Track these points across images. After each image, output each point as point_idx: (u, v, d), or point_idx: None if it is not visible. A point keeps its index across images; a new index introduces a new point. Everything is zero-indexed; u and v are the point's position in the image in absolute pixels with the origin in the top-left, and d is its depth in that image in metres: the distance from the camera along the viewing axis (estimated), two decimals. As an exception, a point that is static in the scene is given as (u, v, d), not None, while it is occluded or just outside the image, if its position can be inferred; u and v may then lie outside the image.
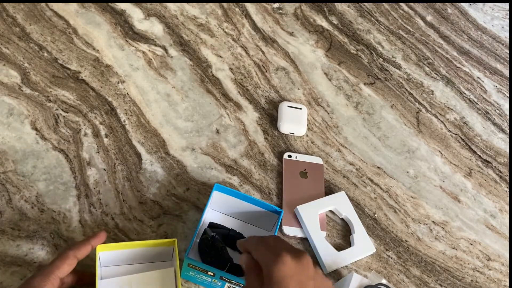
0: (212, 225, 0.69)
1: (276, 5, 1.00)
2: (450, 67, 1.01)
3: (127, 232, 0.67)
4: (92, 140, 0.74)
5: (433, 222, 0.80)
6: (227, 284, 0.62)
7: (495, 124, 0.95)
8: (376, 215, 0.78)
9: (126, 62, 0.84)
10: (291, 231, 0.72)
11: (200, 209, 0.72)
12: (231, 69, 0.88)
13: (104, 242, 0.59)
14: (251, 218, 0.70)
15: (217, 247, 0.63)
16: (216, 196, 0.68)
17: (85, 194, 0.69)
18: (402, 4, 1.09)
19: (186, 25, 0.92)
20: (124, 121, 0.77)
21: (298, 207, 0.73)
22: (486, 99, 0.98)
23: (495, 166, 0.89)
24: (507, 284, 0.76)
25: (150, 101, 0.81)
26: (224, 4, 0.97)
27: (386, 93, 0.93)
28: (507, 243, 0.81)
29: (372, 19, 1.04)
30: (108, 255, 0.60)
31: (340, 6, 1.04)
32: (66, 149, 0.73)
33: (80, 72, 0.81)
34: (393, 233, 0.77)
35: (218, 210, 0.71)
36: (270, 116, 0.84)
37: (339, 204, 0.75)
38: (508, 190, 0.87)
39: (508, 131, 0.95)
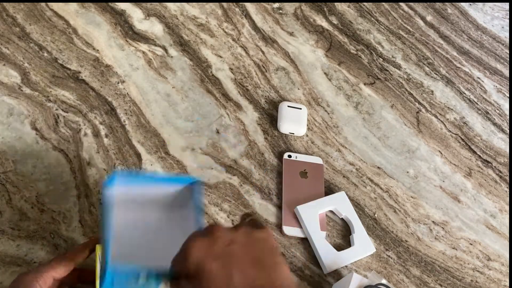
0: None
1: (276, 5, 1.00)
2: (450, 67, 1.01)
3: (127, 232, 0.67)
4: (92, 140, 0.74)
5: (433, 222, 0.80)
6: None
7: (495, 124, 0.95)
8: (376, 215, 0.78)
9: (126, 62, 0.84)
10: (291, 231, 0.72)
11: (201, 209, 0.71)
12: (231, 69, 0.88)
13: None
14: (166, 204, 0.60)
15: None
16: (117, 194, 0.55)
17: (85, 194, 0.69)
18: (402, 4, 1.09)
19: (186, 25, 0.92)
20: (124, 121, 0.77)
21: (298, 207, 0.73)
22: (486, 99, 0.98)
23: (495, 166, 0.89)
24: (507, 284, 0.76)
25: (150, 101, 0.81)
26: (224, 4, 0.97)
27: (386, 93, 0.93)
28: (507, 243, 0.81)
29: (372, 19, 1.04)
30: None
31: (340, 6, 1.04)
32: (66, 149, 0.73)
33: (80, 72, 0.81)
34: (393, 233, 0.77)
35: (126, 212, 0.58)
36: (270, 116, 0.84)
37: (339, 204, 0.75)
38: (508, 190, 0.87)
39: (508, 131, 0.95)
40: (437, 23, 1.08)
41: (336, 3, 1.04)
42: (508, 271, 0.78)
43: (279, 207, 0.75)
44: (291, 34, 0.97)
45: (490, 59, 1.05)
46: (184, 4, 0.94)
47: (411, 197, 0.81)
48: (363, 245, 0.73)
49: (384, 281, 0.66)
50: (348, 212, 0.75)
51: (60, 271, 0.54)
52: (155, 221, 0.59)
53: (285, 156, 0.79)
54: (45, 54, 0.81)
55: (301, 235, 0.72)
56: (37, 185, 0.69)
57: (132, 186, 0.56)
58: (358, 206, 0.78)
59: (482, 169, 0.88)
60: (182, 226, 0.59)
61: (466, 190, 0.85)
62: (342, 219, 0.76)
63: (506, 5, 1.17)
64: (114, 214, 0.56)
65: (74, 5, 0.88)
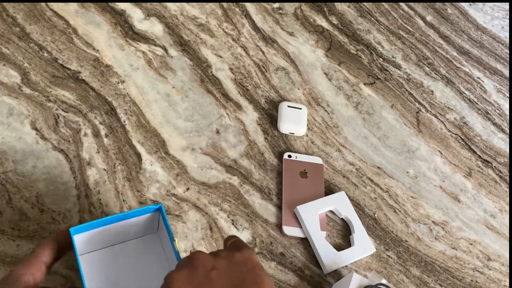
0: None
1: (276, 5, 1.00)
2: (450, 67, 1.01)
3: (127, 232, 0.67)
4: (92, 140, 0.74)
5: (433, 222, 0.80)
6: None
7: (495, 124, 0.95)
8: (376, 215, 0.78)
9: (126, 62, 0.84)
10: (291, 231, 0.72)
11: (200, 209, 0.72)
12: (231, 69, 0.88)
13: None
14: (131, 233, 0.63)
15: None
16: (81, 238, 0.57)
17: (85, 194, 0.69)
18: (402, 4, 1.09)
19: (186, 25, 0.92)
20: (124, 121, 0.77)
21: (298, 207, 0.73)
22: (486, 99, 0.98)
23: (495, 166, 0.89)
24: (507, 284, 0.76)
25: (150, 101, 0.81)
26: (224, 4, 0.97)
27: (386, 93, 0.93)
28: (507, 243, 0.81)
29: (372, 19, 1.04)
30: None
31: (340, 6, 1.04)
32: (66, 149, 0.73)
33: (80, 72, 0.81)
34: (393, 233, 0.77)
35: (93, 249, 0.62)
36: (270, 116, 0.84)
37: (339, 204, 0.75)
38: (508, 190, 0.87)
39: (508, 131, 0.95)
40: (437, 23, 1.08)
41: (336, 3, 1.04)
42: (508, 271, 0.78)
43: (279, 207, 0.75)
44: (291, 34, 0.97)
45: (490, 59, 1.05)
46: (184, 4, 0.94)
47: (411, 197, 0.81)
48: (363, 245, 0.73)
49: (384, 281, 0.66)
50: (348, 212, 0.75)
51: (46, 253, 0.51)
52: (127, 256, 0.63)
53: (285, 156, 0.79)
54: (45, 54, 0.81)
55: (301, 235, 0.72)
56: (37, 185, 0.69)
57: (94, 231, 0.58)
58: (358, 206, 0.78)
59: (482, 169, 0.88)
60: (156, 254, 0.64)
61: (466, 190, 0.85)
62: (342, 219, 0.76)
63: (506, 5, 1.17)
64: (84, 264, 0.60)
65: (74, 5, 0.88)
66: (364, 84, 0.93)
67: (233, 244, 0.50)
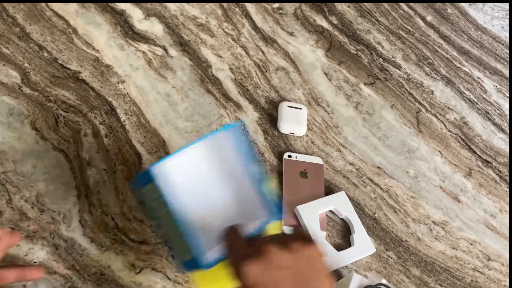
0: None
1: (276, 5, 1.00)
2: (450, 67, 1.01)
3: (127, 232, 0.67)
4: (92, 140, 0.74)
5: (433, 222, 0.80)
6: None
7: (495, 124, 0.95)
8: (376, 215, 0.78)
9: (126, 62, 0.84)
10: (291, 231, 0.72)
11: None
12: (231, 69, 0.88)
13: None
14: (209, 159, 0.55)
15: None
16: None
17: (85, 194, 0.69)
18: (402, 4, 1.09)
19: (186, 25, 0.92)
20: (124, 121, 0.77)
21: (298, 207, 0.73)
22: (486, 99, 0.98)
23: (495, 166, 0.89)
24: (507, 284, 0.76)
25: (150, 101, 0.81)
26: (224, 4, 0.97)
27: (386, 93, 0.93)
28: (507, 243, 0.81)
29: (372, 19, 1.04)
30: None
31: (340, 6, 1.04)
32: (66, 149, 0.73)
33: (80, 72, 0.81)
34: (393, 233, 0.77)
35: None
36: (270, 116, 0.84)
37: (339, 204, 0.75)
38: (508, 190, 0.87)
39: (508, 131, 0.95)
40: (437, 23, 1.08)
41: (336, 3, 1.04)
42: (508, 271, 0.78)
43: (279, 207, 0.75)
44: (291, 34, 0.97)
45: (490, 59, 1.05)
46: (184, 4, 0.94)
47: (411, 197, 0.81)
48: (363, 245, 0.73)
49: (384, 281, 0.66)
50: (348, 212, 0.75)
51: (4, 244, 0.52)
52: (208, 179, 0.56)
53: (285, 156, 0.79)
54: (45, 54, 0.81)
55: (301, 235, 0.72)
56: (37, 185, 0.69)
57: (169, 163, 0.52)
58: (358, 206, 0.78)
59: (482, 169, 0.88)
60: (234, 176, 0.57)
61: (466, 190, 0.85)
62: (342, 219, 0.76)
63: (506, 5, 1.17)
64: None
65: (74, 5, 0.88)
66: (364, 84, 0.93)
67: (301, 236, 0.50)
